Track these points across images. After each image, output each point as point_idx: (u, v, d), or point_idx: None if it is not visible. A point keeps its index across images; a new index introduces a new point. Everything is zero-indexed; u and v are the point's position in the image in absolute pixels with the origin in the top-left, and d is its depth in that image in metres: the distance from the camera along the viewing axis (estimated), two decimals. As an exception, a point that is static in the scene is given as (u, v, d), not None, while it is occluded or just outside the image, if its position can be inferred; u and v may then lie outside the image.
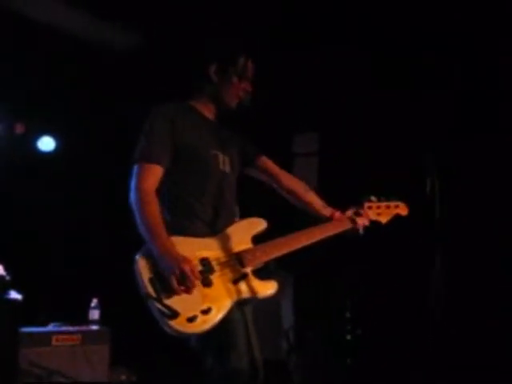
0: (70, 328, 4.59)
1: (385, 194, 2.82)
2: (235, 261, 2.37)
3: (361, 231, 2.72)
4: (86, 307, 4.82)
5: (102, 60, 5.26)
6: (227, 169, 2.57)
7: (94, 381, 4.37)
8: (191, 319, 2.19)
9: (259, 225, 2.53)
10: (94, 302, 4.85)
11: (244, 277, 2.34)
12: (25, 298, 4.26)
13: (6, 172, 5.46)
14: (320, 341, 5.06)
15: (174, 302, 2.20)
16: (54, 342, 4.40)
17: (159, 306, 2.18)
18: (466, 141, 4.57)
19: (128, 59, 5.26)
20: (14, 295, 4.24)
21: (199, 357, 2.35)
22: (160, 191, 2.44)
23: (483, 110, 4.63)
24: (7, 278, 4.25)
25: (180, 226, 2.41)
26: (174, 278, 2.20)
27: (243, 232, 2.48)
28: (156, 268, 2.25)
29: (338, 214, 2.74)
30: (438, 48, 4.47)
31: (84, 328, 4.66)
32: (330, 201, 2.81)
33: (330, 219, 2.73)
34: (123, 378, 4.76)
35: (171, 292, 2.21)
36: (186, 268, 2.21)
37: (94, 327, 4.72)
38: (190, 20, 4.65)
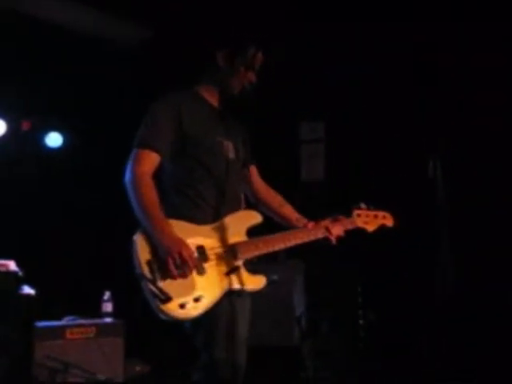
0: (84, 321, 4.62)
1: (387, 182, 2.81)
2: (229, 252, 2.40)
3: (333, 242, 2.72)
4: (99, 300, 4.86)
5: (109, 55, 5.27)
6: (232, 155, 2.59)
7: (109, 372, 4.40)
8: (183, 305, 2.23)
9: (255, 218, 2.56)
10: (107, 294, 4.88)
11: (236, 269, 2.37)
12: (38, 293, 4.30)
13: (17, 169, 5.49)
14: (332, 326, 5.08)
15: (168, 286, 2.23)
16: (68, 335, 4.44)
17: (153, 289, 2.21)
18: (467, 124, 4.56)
19: (135, 54, 5.28)
20: (28, 290, 4.28)
21: (191, 341, 2.40)
22: (168, 177, 2.49)
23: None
24: (20, 273, 4.28)
25: (186, 210, 2.44)
26: (171, 261, 2.23)
27: (239, 224, 2.50)
28: (154, 249, 2.28)
29: (311, 224, 2.73)
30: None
31: (98, 321, 4.69)
32: (336, 187, 2.80)
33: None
34: (138, 369, 4.80)
35: (166, 275, 2.24)
36: (186, 253, 2.24)
37: (108, 320, 4.75)
38: (196, 13, 4.67)
